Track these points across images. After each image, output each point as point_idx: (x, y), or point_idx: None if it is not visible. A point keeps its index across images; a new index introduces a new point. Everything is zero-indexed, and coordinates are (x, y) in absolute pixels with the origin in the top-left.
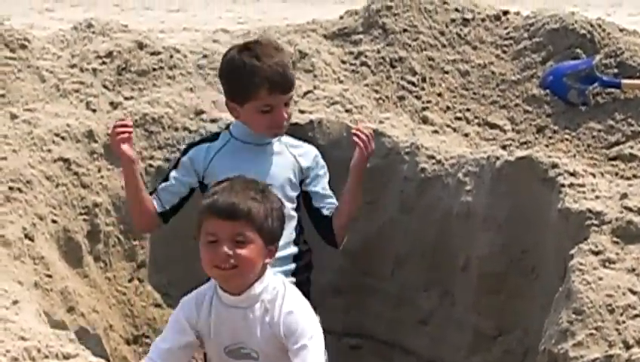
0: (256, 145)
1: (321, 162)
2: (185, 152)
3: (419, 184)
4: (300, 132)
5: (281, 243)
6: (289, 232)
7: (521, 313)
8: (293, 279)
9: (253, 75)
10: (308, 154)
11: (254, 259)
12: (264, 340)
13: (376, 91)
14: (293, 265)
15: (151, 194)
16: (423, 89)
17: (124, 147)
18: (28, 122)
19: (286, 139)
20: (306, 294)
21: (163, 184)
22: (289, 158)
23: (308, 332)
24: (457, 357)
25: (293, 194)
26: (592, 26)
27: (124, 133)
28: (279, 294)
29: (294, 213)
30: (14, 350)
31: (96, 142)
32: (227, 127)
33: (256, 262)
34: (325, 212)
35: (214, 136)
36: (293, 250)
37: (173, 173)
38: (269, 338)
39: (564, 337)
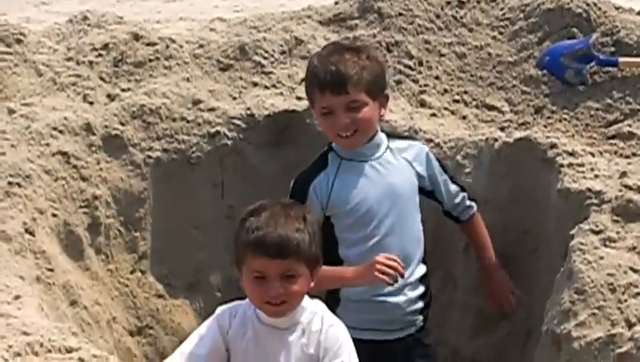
0: (367, 160)
1: (431, 156)
2: (300, 187)
3: None
4: (297, 118)
5: (412, 265)
6: (419, 251)
7: (524, 294)
8: (421, 304)
9: (309, 77)
10: (419, 155)
11: (303, 291)
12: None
13: None
14: (422, 288)
15: None
16: (419, 72)
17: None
18: (25, 117)
19: (393, 143)
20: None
21: None
22: (404, 165)
23: (346, 350)
24: (461, 340)
25: (417, 207)
26: (587, 4)
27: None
28: (317, 315)
29: (420, 226)
30: (17, 345)
31: (94, 134)
32: (328, 150)
33: (304, 292)
34: (461, 218)
35: (321, 161)
36: (423, 269)
37: None
38: (302, 360)
39: (566, 317)
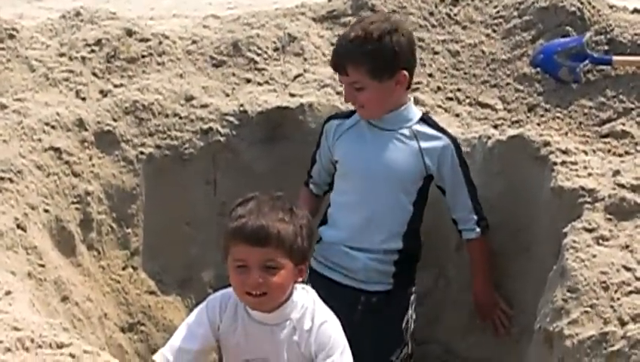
0: (383, 129)
1: (450, 158)
2: (324, 121)
3: None
4: (290, 115)
5: (386, 235)
6: (399, 225)
7: (517, 292)
8: (393, 269)
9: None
10: (435, 149)
11: (285, 284)
12: (289, 359)
13: None
14: (395, 256)
15: (307, 181)
16: None
17: None
18: (18, 112)
19: (420, 127)
20: (407, 285)
21: (314, 168)
22: (414, 150)
23: (339, 346)
24: (453, 337)
25: (412, 189)
26: (581, 3)
27: None
28: (308, 311)
29: (409, 208)
30: (7, 340)
31: (86, 130)
32: None
33: (287, 286)
34: (462, 235)
35: (351, 113)
36: (399, 245)
37: (316, 154)
38: (295, 358)
39: (559, 315)
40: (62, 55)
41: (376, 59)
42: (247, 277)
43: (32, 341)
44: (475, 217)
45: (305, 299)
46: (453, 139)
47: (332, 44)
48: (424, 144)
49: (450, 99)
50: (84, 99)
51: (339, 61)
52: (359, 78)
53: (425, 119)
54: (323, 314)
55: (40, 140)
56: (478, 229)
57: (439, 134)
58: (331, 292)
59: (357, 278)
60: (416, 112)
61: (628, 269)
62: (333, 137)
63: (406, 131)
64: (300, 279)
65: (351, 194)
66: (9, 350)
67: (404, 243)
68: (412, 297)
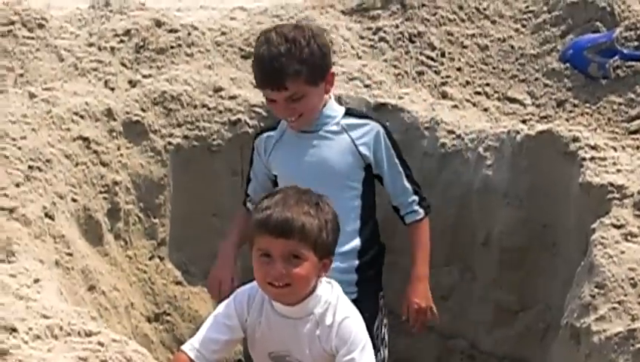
0: (310, 132)
1: (382, 142)
2: (254, 138)
3: (439, 159)
4: None
5: (340, 236)
6: (351, 221)
7: (543, 288)
8: (355, 276)
9: (252, 65)
10: (367, 135)
11: (308, 277)
12: (312, 354)
13: (395, 66)
14: (356, 262)
15: (244, 201)
16: (442, 64)
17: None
18: (47, 101)
19: (347, 120)
20: (374, 291)
21: (250, 186)
22: (346, 143)
23: (360, 342)
24: (479, 333)
25: (355, 182)
26: None
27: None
28: (330, 306)
29: (357, 202)
30: (36, 328)
31: (115, 120)
32: None
33: (310, 279)
34: (405, 220)
35: (276, 122)
36: (356, 243)
37: (251, 172)
38: (317, 352)
39: (586, 311)
40: (91, 45)
41: (310, 65)
42: (270, 267)
43: (61, 329)
44: (416, 198)
45: (329, 294)
46: (381, 124)
47: (361, 38)
48: (354, 134)
49: (479, 93)
50: (112, 89)
51: (276, 78)
52: (298, 88)
53: (350, 112)
54: (345, 309)
55: (69, 130)
56: (421, 210)
57: (366, 121)
58: None
59: None
60: (338, 108)
61: None
62: (265, 153)
63: (334, 127)
64: (324, 274)
65: None
66: (38, 337)
67: (362, 240)
68: (381, 302)
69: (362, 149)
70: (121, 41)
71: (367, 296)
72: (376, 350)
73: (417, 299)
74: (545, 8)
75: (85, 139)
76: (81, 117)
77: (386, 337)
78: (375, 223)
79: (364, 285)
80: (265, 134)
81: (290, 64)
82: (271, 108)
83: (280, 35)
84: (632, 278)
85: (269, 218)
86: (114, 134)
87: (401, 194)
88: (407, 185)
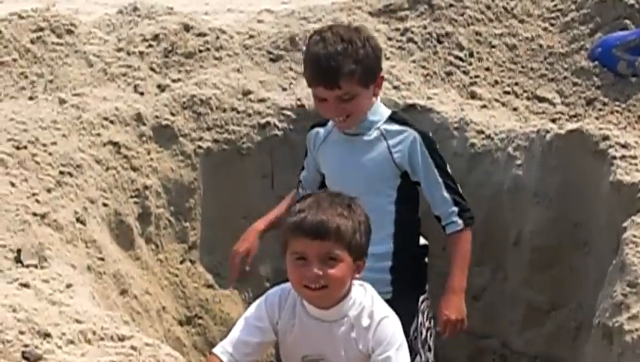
0: (351, 135)
1: (418, 150)
2: (308, 129)
3: (469, 159)
4: None
5: (372, 239)
6: (384, 227)
7: (574, 287)
8: (389, 276)
9: (305, 63)
10: (403, 143)
11: (344, 278)
12: (347, 356)
13: (424, 67)
14: (389, 263)
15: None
16: (470, 64)
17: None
18: (76, 107)
19: (388, 126)
20: (411, 293)
21: (302, 174)
22: (383, 150)
23: (397, 342)
24: (510, 332)
25: (389, 189)
26: None
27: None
28: (365, 308)
29: (392, 208)
30: (70, 333)
31: (144, 124)
32: None
33: (346, 280)
34: (445, 230)
35: (325, 122)
36: (390, 246)
37: (305, 161)
38: (352, 354)
39: (618, 310)
40: (120, 50)
41: (365, 66)
42: (306, 270)
43: (94, 333)
44: (456, 209)
45: (362, 297)
46: (420, 132)
47: (389, 39)
48: (392, 141)
49: (508, 93)
50: (142, 93)
51: (331, 77)
52: (351, 87)
53: (393, 117)
54: (383, 310)
55: (99, 135)
56: (460, 221)
57: (405, 128)
58: None
59: None
60: (383, 112)
61: None
62: (314, 148)
63: (375, 133)
64: (358, 276)
65: None
66: (72, 342)
67: (396, 244)
68: (422, 305)
69: (397, 157)
70: (150, 46)
71: (403, 297)
72: (415, 353)
73: (448, 311)
74: (573, 6)
75: (115, 143)
76: (111, 122)
77: (430, 341)
78: (414, 227)
79: (399, 285)
80: (315, 129)
81: (345, 63)
82: (319, 108)
83: (336, 34)
84: None
85: (303, 220)
86: (144, 139)
87: (441, 205)
88: (447, 195)
